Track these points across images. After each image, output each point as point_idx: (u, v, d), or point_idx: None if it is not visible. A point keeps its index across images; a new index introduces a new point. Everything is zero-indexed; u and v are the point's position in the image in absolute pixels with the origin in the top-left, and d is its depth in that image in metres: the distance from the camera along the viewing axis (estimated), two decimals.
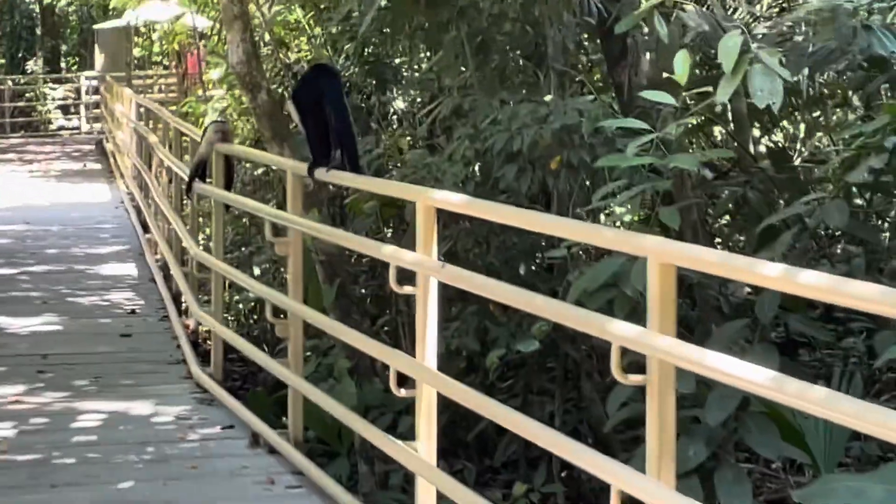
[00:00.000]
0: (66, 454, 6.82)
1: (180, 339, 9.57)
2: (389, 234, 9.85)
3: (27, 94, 36.56)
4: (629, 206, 6.96)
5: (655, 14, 6.74)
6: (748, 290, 7.84)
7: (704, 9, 7.68)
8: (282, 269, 11.54)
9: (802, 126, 10.67)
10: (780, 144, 10.57)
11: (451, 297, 7.91)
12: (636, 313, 5.94)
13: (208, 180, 9.20)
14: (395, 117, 12.70)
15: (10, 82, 36.21)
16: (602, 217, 8.69)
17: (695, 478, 5.53)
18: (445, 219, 7.71)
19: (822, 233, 7.82)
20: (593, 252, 7.90)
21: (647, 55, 8.68)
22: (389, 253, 5.68)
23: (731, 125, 9.66)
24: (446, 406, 5.47)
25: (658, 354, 3.71)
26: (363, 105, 12.28)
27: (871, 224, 7.94)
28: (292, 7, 13.83)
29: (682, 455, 3.91)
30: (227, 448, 6.98)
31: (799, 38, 7.53)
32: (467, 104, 8.75)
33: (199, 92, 19.32)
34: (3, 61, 39.31)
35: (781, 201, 8.41)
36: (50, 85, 37.09)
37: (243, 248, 13.00)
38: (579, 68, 10.09)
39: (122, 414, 7.69)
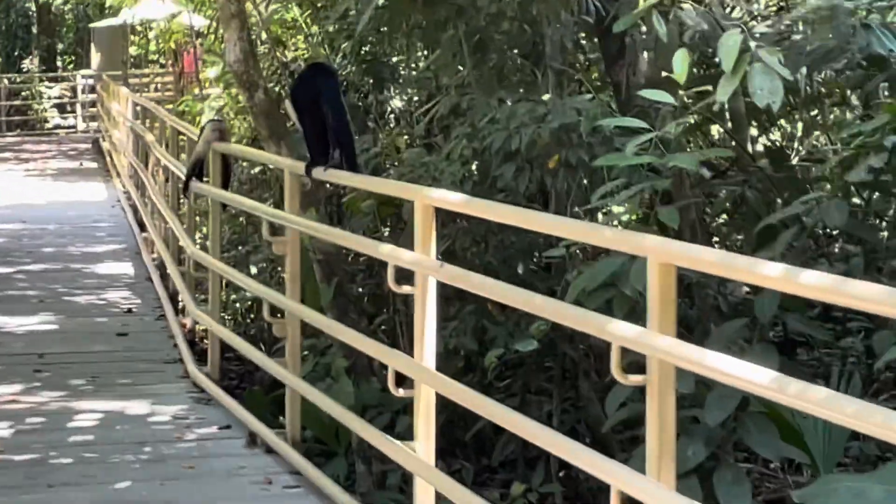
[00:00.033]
0: (62, 454, 6.81)
1: (177, 339, 9.56)
2: (387, 233, 9.83)
3: (23, 93, 36.52)
4: (627, 206, 6.95)
5: (654, 13, 6.72)
6: (746, 289, 7.82)
7: (703, 7, 7.66)
8: (278, 269, 11.52)
9: (800, 125, 10.66)
10: (777, 143, 10.55)
11: (448, 297, 7.89)
12: (635, 313, 5.94)
13: (205, 179, 9.19)
14: (392, 116, 12.68)
15: (5, 81, 36.17)
16: (599, 216, 8.68)
17: (694, 478, 5.51)
18: (443, 218, 7.69)
19: (820, 232, 7.80)
20: (590, 251, 7.88)
21: (645, 54, 8.66)
22: (388, 252, 5.66)
23: (729, 124, 9.63)
24: (444, 406, 5.45)
25: (658, 354, 3.69)
26: (360, 104, 12.26)
27: (869, 223, 7.93)
28: (289, 5, 13.81)
29: (681, 455, 3.90)
30: (225, 448, 6.97)
31: (797, 37, 7.51)
32: (465, 103, 8.74)
33: (196, 90, 19.31)
34: None
35: (779, 200, 8.39)
36: (46, 83, 37.07)
37: (240, 247, 12.98)
38: (577, 67, 10.07)
39: (119, 413, 7.68)
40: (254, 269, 12.10)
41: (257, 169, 13.53)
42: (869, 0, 7.03)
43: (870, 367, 7.79)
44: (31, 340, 9.84)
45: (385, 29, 10.48)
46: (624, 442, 7.82)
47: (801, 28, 7.51)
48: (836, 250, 8.17)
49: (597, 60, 10.32)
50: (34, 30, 40.08)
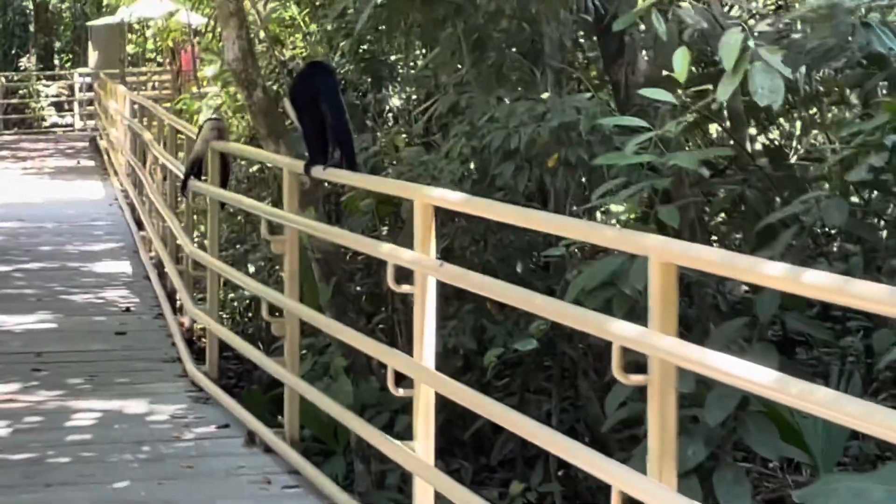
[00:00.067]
0: (60, 453, 6.79)
1: (175, 337, 9.54)
2: (385, 232, 9.81)
3: (20, 91, 36.49)
4: (625, 205, 6.94)
5: (654, 11, 6.70)
6: (745, 288, 7.81)
7: (702, 5, 7.65)
8: (276, 267, 11.51)
9: (798, 124, 10.65)
10: (776, 142, 10.54)
11: (447, 296, 7.88)
12: (634, 312, 5.93)
13: (203, 178, 9.17)
14: (390, 115, 12.67)
15: (3, 79, 36.11)
16: (598, 215, 8.67)
17: (693, 478, 5.50)
18: (442, 216, 7.68)
19: (818, 231, 7.79)
20: (588, 250, 7.87)
21: (644, 53, 8.65)
22: (387, 251, 5.65)
23: (727, 123, 9.62)
24: (442, 405, 5.44)
25: (660, 354, 3.68)
26: (359, 102, 12.25)
27: (868, 222, 7.91)
28: (287, 4, 13.80)
29: (680, 455, 3.88)
30: (223, 447, 6.96)
31: (797, 36, 7.50)
32: (464, 101, 8.73)
33: (194, 89, 19.29)
34: None
35: (778, 199, 8.38)
36: (43, 82, 37.02)
37: (238, 246, 12.97)
38: (576, 66, 10.06)
39: (117, 412, 7.66)
40: (252, 268, 12.09)
41: (255, 167, 13.52)
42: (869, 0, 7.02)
43: (869, 367, 7.78)
44: (28, 339, 9.82)
45: (383, 27, 10.47)
46: (622, 441, 7.81)
47: (799, 27, 7.50)
48: (835, 249, 8.16)
49: (595, 59, 10.31)
50: (31, 28, 40.05)
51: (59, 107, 36.73)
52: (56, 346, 9.57)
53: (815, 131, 10.58)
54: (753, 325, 6.25)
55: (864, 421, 2.90)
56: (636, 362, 3.91)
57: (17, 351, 9.38)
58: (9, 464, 6.60)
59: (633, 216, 7.30)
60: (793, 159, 9.73)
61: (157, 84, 33.92)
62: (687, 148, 8.46)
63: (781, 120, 10.48)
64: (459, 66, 9.21)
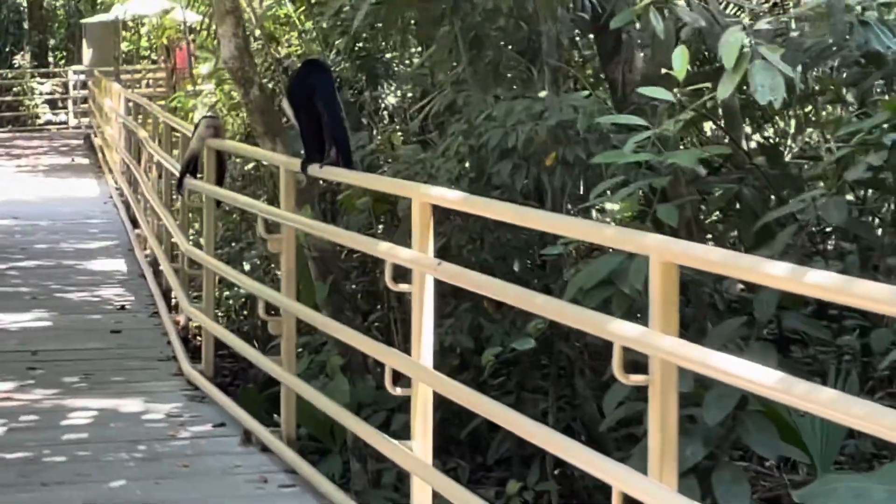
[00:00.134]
0: (56, 452, 6.76)
1: (171, 336, 9.52)
2: (381, 230, 9.80)
3: (14, 89, 36.43)
4: (621, 204, 6.92)
5: (651, 9, 6.69)
6: (741, 286, 7.80)
7: (699, 3, 7.64)
8: (272, 266, 11.50)
9: (793, 122, 10.65)
10: (770, 140, 10.54)
11: (443, 294, 7.86)
12: (631, 311, 5.92)
13: (199, 176, 9.15)
14: (386, 113, 12.65)
15: None
16: (594, 214, 8.66)
17: (692, 478, 5.49)
18: (438, 215, 7.67)
19: (814, 229, 7.78)
20: (583, 249, 7.86)
21: (641, 51, 8.64)
22: (385, 250, 5.63)
23: (722, 121, 9.62)
24: (439, 403, 5.42)
25: (661, 354, 3.66)
26: (355, 100, 12.24)
27: (865, 221, 7.91)
28: (282, 1, 13.78)
29: (679, 455, 3.87)
30: (219, 446, 6.94)
31: (794, 34, 7.50)
32: (461, 100, 8.71)
33: (189, 87, 19.25)
34: None
35: (773, 197, 8.38)
36: (37, 79, 36.95)
37: (233, 244, 12.95)
38: (572, 64, 10.05)
39: (113, 411, 7.64)
40: (247, 266, 12.07)
41: (250, 165, 13.50)
42: None
43: (865, 366, 7.78)
44: (24, 337, 9.79)
45: (380, 25, 10.45)
46: (619, 440, 7.80)
47: (794, 26, 7.50)
48: (831, 248, 8.16)
49: (591, 57, 10.30)
50: (25, 25, 39.97)
51: (53, 104, 36.68)
52: (52, 344, 9.54)
53: (809, 129, 10.58)
54: (750, 323, 6.24)
55: (870, 422, 2.89)
56: (634, 361, 3.89)
57: (13, 349, 9.35)
58: (4, 463, 6.58)
59: (628, 215, 7.28)
60: (787, 157, 9.72)
61: (151, 82, 33.91)
62: (682, 146, 8.47)
63: (776, 118, 10.48)
64: (456, 65, 9.20)
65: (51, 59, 40.74)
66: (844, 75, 8.42)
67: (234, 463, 6.59)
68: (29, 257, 13.91)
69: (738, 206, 8.46)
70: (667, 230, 6.52)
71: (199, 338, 9.76)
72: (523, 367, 8.63)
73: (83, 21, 34.41)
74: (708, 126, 10.30)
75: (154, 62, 35.39)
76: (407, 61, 12.32)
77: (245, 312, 12.46)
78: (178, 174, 9.66)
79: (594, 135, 7.67)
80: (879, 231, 8.06)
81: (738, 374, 3.31)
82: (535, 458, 8.27)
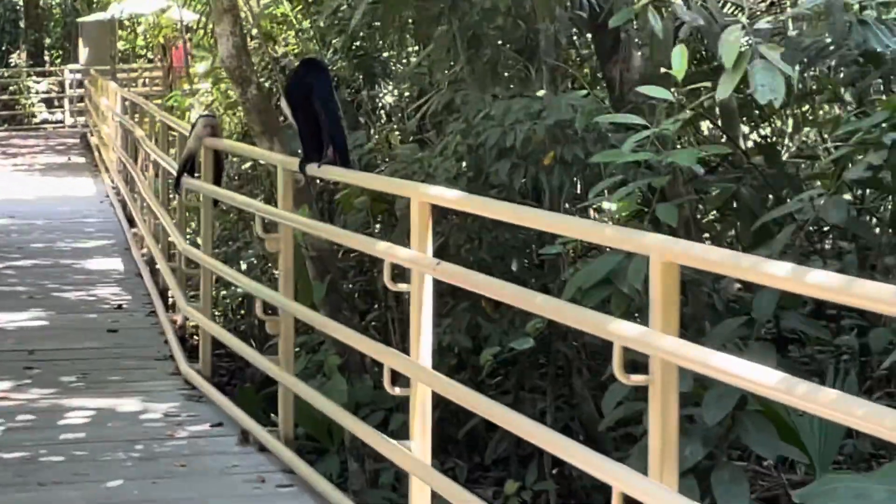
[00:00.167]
0: (53, 452, 6.74)
1: (168, 335, 9.50)
2: (378, 229, 9.78)
3: (10, 88, 36.39)
4: (619, 203, 6.91)
5: (649, 8, 6.68)
6: (738, 286, 7.80)
7: (698, 3, 7.63)
8: (269, 265, 11.48)
9: (790, 121, 10.65)
10: (767, 140, 10.54)
11: (441, 293, 7.86)
12: (630, 311, 5.91)
13: (196, 175, 9.14)
14: (383, 112, 12.64)
15: None
16: (591, 213, 8.64)
17: (691, 478, 5.48)
18: (436, 214, 7.66)
19: (812, 228, 7.78)
20: (580, 248, 7.85)
21: (639, 50, 8.63)
22: (384, 250, 5.61)
23: (719, 120, 9.62)
24: (437, 403, 5.41)
25: (661, 354, 3.64)
26: (352, 99, 12.23)
27: (863, 220, 7.91)
28: (280, 0, 13.76)
29: (678, 455, 3.86)
30: (217, 446, 6.92)
31: (793, 33, 7.49)
32: (459, 99, 8.70)
33: (185, 86, 19.24)
34: None
35: (771, 197, 8.37)
36: (34, 78, 36.92)
37: (231, 243, 12.93)
38: (570, 63, 10.04)
39: (110, 411, 7.62)
40: (244, 266, 12.05)
41: (248, 164, 13.48)
42: None
43: (863, 365, 7.78)
44: (21, 337, 9.77)
45: (377, 24, 10.44)
46: (618, 439, 7.79)
47: (791, 25, 7.49)
48: (828, 247, 8.15)
49: (589, 56, 10.29)
50: (21, 24, 39.93)
51: (49, 103, 36.65)
52: (48, 343, 9.53)
53: (807, 129, 10.58)
54: (749, 323, 6.23)
55: (871, 423, 2.87)
56: (633, 361, 3.88)
57: (10, 349, 9.33)
58: (1, 462, 6.56)
59: (626, 214, 7.27)
60: (785, 157, 9.72)
61: (147, 81, 33.86)
62: (679, 145, 8.46)
63: (773, 117, 10.49)
64: (454, 64, 9.19)
65: (47, 58, 40.68)
66: (842, 74, 8.42)
67: (232, 463, 6.58)
68: (25, 256, 13.89)
69: (735, 205, 8.45)
70: (665, 229, 6.52)
71: (196, 337, 9.74)
72: (521, 367, 8.62)
73: (79, 20, 34.33)
74: (705, 125, 10.30)
75: (150, 61, 35.38)
76: (404, 60, 12.31)
77: (242, 312, 12.45)
78: (175, 173, 9.64)
79: (592, 134, 7.66)
80: (877, 230, 8.06)
81: (740, 375, 3.30)
82: (533, 457, 8.26)
